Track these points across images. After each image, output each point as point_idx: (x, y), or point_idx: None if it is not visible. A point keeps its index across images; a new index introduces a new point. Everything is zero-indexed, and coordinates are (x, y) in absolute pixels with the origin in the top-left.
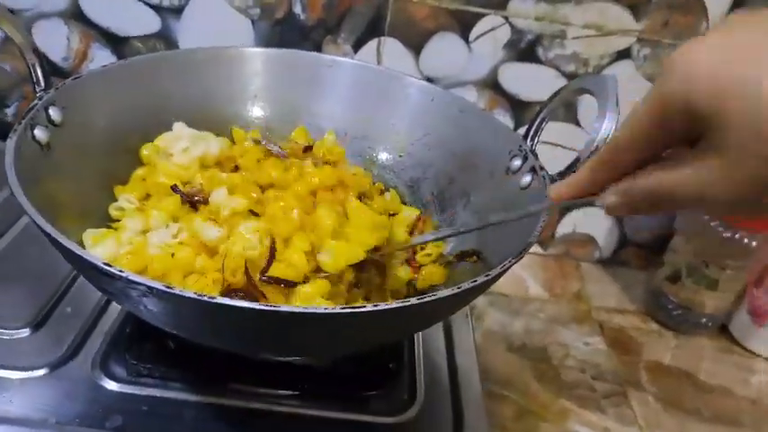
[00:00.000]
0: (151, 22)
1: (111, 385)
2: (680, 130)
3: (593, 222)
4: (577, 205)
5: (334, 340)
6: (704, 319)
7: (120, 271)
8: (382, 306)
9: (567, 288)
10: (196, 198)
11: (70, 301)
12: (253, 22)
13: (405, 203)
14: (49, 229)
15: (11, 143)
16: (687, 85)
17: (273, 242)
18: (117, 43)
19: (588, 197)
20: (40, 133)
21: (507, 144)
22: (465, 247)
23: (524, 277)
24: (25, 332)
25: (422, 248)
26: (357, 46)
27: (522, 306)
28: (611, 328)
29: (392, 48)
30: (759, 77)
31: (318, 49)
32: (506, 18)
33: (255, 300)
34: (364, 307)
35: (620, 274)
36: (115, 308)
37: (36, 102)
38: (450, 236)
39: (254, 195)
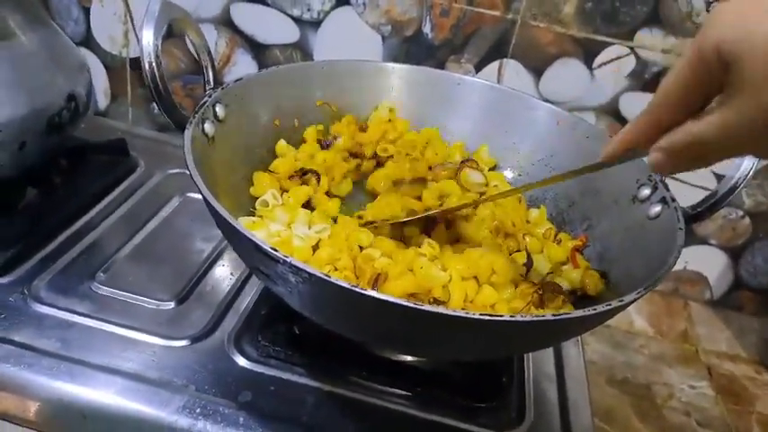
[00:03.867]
0: (291, 33)
1: (243, 362)
2: (714, 79)
3: (706, 260)
4: (626, 160)
5: (474, 345)
6: None
7: (286, 256)
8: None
9: (673, 326)
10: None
11: (209, 280)
12: (383, 38)
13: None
14: (222, 211)
15: (188, 133)
16: (717, 33)
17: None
18: (258, 50)
19: (636, 152)
20: (208, 127)
21: (635, 172)
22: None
23: (629, 310)
24: (171, 305)
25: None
26: (480, 66)
27: (626, 340)
28: (721, 373)
29: (513, 69)
30: None
31: (441, 66)
32: (632, 48)
33: None
34: (501, 315)
35: (732, 318)
36: (249, 290)
37: (206, 99)
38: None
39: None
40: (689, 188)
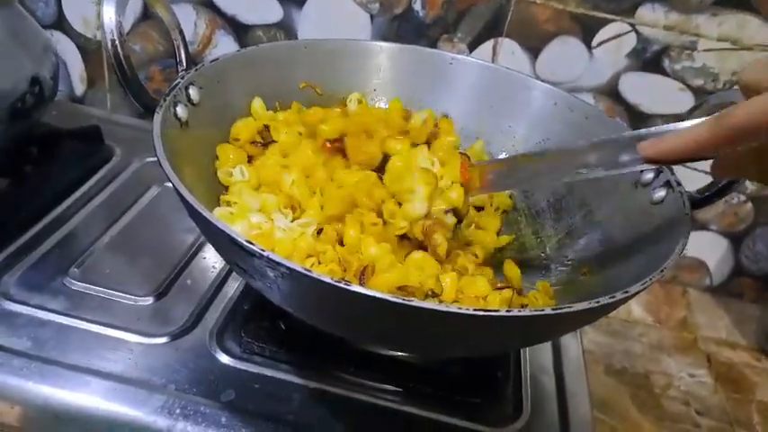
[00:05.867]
0: (274, 12)
1: (225, 359)
2: None
3: (706, 246)
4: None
5: (461, 342)
6: None
7: (262, 250)
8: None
9: (672, 314)
10: None
11: (190, 273)
12: (371, 16)
13: (516, 209)
14: (193, 202)
15: (157, 117)
16: None
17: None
18: (240, 30)
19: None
20: (181, 110)
21: None
22: (587, 259)
23: None
24: (149, 300)
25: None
26: (473, 45)
27: (624, 329)
28: (720, 361)
29: (509, 49)
30: None
31: (434, 46)
32: (633, 26)
33: None
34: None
35: (732, 305)
36: (232, 283)
37: (178, 80)
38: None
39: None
40: (690, 171)
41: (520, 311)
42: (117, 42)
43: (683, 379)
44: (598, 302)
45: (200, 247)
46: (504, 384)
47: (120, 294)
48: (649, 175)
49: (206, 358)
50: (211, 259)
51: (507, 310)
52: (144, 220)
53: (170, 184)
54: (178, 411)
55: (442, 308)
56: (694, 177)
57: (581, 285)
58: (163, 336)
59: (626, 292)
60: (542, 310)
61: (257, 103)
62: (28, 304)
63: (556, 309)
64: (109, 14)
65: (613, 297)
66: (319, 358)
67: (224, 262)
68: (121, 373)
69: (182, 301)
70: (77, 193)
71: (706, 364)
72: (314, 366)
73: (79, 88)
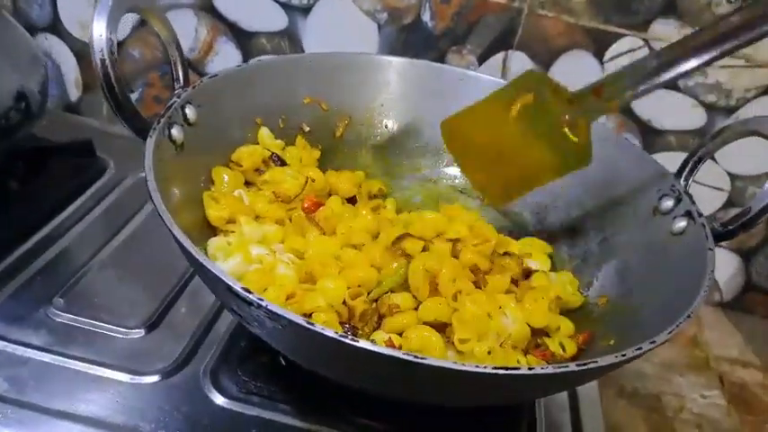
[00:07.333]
0: (278, 20)
1: (220, 400)
2: None
3: (716, 262)
4: None
5: (477, 396)
6: None
7: (260, 299)
8: (547, 369)
9: (682, 331)
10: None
11: (185, 300)
12: (379, 26)
13: (528, 232)
14: (184, 241)
15: (150, 143)
16: None
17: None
18: (243, 38)
19: None
20: (176, 132)
21: (656, 182)
22: (604, 289)
23: None
24: (140, 333)
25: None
26: (482, 58)
27: None
28: (733, 382)
29: (519, 62)
30: None
31: (442, 58)
32: (646, 40)
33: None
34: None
35: (743, 321)
36: (227, 315)
37: (174, 99)
38: None
39: None
40: (701, 188)
41: (543, 369)
42: (108, 62)
43: (695, 401)
44: (624, 355)
45: (194, 273)
46: (518, 423)
47: (109, 327)
48: (669, 203)
49: (199, 399)
50: (206, 287)
51: (529, 368)
52: (136, 242)
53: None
54: None
55: (458, 367)
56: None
57: (599, 318)
58: (153, 374)
59: (653, 342)
60: (566, 366)
61: (265, 132)
62: (7, 339)
63: (581, 365)
64: (99, 31)
65: (640, 348)
66: (321, 398)
67: None
68: (107, 418)
69: (174, 334)
70: (66, 212)
71: (718, 384)
72: (315, 407)
73: (74, 93)
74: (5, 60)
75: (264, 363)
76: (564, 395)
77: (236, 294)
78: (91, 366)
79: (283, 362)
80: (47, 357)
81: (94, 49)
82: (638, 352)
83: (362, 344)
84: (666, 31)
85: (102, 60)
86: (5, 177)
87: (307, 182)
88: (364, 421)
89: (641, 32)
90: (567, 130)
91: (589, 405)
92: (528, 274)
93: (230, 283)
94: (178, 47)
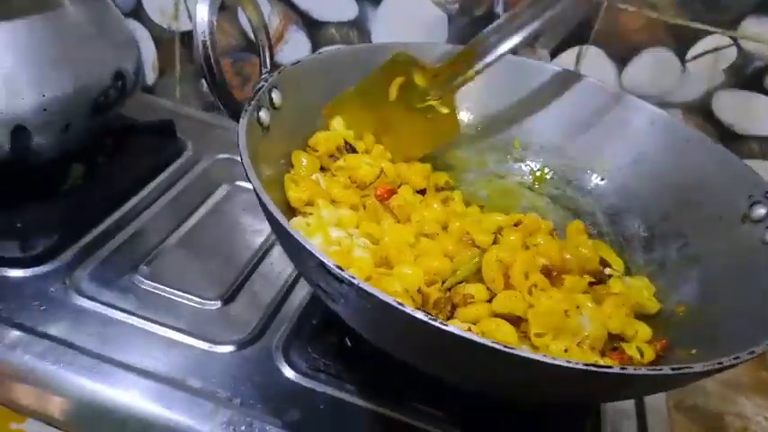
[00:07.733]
0: (349, 9)
1: (290, 374)
2: None
3: None
4: None
5: (551, 391)
6: None
7: (352, 277)
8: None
9: None
10: None
11: (258, 278)
12: (449, 17)
13: (601, 234)
14: (280, 218)
15: (243, 123)
16: None
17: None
18: (312, 27)
19: None
20: (263, 115)
21: (746, 187)
22: (684, 297)
23: None
24: (217, 305)
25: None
26: (555, 52)
27: None
28: None
29: (594, 57)
30: None
31: (513, 51)
32: (735, 39)
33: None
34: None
35: None
36: (299, 292)
37: (262, 84)
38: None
39: None
40: None
41: (637, 370)
42: (209, 43)
43: (760, 424)
44: (720, 363)
45: (267, 251)
46: (582, 426)
47: (188, 296)
48: (761, 211)
49: (271, 372)
50: (279, 264)
51: (621, 367)
52: (212, 220)
53: (241, 184)
54: (243, 429)
55: (547, 359)
56: None
57: (677, 326)
58: (229, 344)
59: (752, 352)
60: (660, 369)
61: (338, 124)
62: (98, 301)
63: (675, 369)
64: (202, 14)
65: (737, 358)
66: (385, 382)
67: (292, 268)
68: (186, 381)
69: (249, 308)
70: (148, 188)
71: None
72: (379, 390)
73: (150, 77)
74: (106, 41)
75: (333, 342)
76: (630, 402)
77: (329, 271)
78: (172, 332)
79: (349, 343)
80: (132, 320)
81: (197, 31)
82: (736, 361)
83: (452, 329)
84: (758, 30)
85: (204, 42)
86: (96, 153)
87: (381, 171)
88: (426, 408)
89: (730, 30)
90: (435, 103)
91: (656, 414)
92: (599, 277)
93: (325, 260)
94: (267, 33)
